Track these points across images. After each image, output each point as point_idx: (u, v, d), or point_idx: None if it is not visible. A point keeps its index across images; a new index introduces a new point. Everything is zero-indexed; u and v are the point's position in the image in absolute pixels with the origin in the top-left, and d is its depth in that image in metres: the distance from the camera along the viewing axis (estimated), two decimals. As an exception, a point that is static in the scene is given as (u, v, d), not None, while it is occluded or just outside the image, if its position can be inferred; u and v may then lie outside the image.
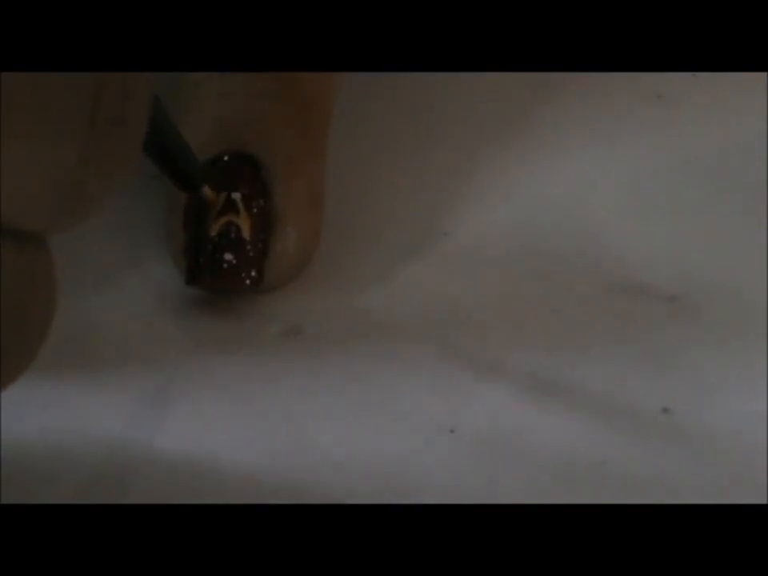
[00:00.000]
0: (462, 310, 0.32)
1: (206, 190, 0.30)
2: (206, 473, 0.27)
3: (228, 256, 0.30)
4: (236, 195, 0.30)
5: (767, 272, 0.32)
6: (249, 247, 0.30)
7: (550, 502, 0.26)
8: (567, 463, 0.28)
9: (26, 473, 0.27)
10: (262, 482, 0.27)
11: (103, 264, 0.32)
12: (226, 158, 0.30)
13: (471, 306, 0.32)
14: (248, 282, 0.30)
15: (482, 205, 0.35)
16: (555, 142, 0.37)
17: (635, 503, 0.26)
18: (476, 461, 0.28)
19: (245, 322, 0.31)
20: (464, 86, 0.38)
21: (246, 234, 0.30)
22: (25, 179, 0.18)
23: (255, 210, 0.30)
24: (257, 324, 0.31)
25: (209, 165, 0.30)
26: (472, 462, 0.28)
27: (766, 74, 0.38)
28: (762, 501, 0.27)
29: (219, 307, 0.31)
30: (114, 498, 0.27)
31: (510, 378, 0.30)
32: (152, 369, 0.30)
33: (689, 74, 0.38)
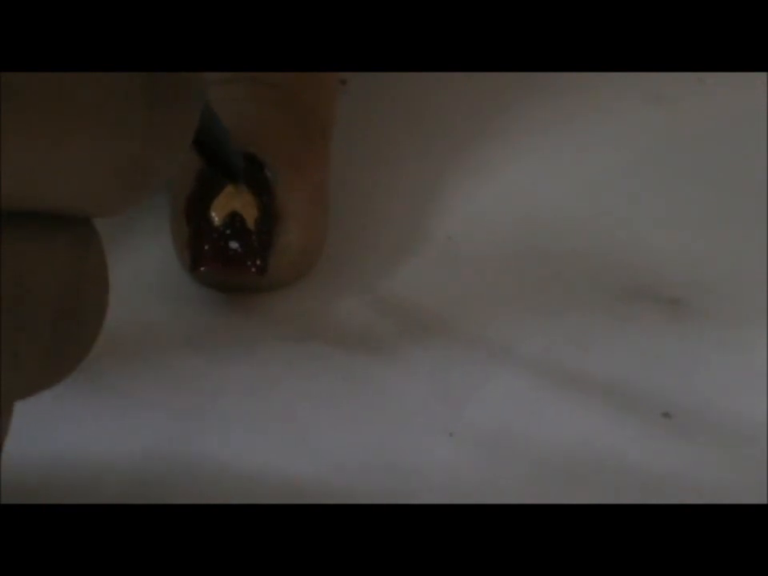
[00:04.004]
0: (462, 310, 0.32)
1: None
2: (206, 473, 0.27)
3: (233, 244, 0.30)
4: (241, 186, 0.30)
5: (767, 274, 0.32)
6: (253, 237, 0.30)
7: (550, 502, 0.27)
8: (567, 464, 0.28)
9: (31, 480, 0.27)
10: (262, 482, 0.27)
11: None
12: None
13: (472, 307, 0.32)
14: (253, 269, 0.30)
15: (484, 206, 0.35)
16: (555, 142, 0.37)
17: (635, 503, 0.26)
18: (476, 461, 0.28)
19: (246, 322, 0.31)
20: (464, 85, 0.38)
21: (251, 225, 0.30)
22: (89, 170, 0.18)
23: (259, 205, 0.30)
24: (258, 325, 0.31)
25: None
26: (472, 462, 0.28)
27: (766, 73, 0.38)
28: (762, 501, 0.27)
29: (220, 308, 0.31)
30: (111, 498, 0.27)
31: (510, 379, 0.30)
32: (151, 369, 0.30)
33: (689, 75, 0.38)
